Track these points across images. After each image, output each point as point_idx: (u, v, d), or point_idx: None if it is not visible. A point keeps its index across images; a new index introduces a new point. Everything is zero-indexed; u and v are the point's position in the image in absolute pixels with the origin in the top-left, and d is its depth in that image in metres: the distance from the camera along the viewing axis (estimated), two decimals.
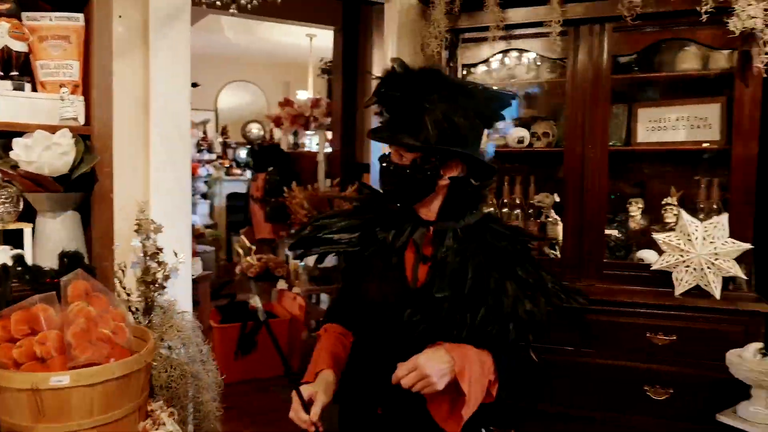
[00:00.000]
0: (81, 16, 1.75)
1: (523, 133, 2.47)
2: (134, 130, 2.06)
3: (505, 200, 2.53)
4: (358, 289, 1.49)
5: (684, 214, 2.13)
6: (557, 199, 2.54)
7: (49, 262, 1.65)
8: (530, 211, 2.57)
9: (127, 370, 1.40)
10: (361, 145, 4.86)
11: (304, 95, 6.17)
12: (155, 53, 2.05)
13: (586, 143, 2.28)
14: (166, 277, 1.87)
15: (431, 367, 1.25)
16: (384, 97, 1.37)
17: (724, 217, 2.09)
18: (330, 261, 4.54)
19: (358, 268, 1.49)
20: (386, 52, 2.62)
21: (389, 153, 1.42)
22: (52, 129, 1.62)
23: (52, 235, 1.67)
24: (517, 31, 2.26)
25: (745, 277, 2.08)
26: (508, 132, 2.49)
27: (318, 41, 5.79)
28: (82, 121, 1.72)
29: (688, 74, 2.29)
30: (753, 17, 1.92)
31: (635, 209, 2.44)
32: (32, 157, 1.54)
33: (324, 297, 4.92)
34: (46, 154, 1.55)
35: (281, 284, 4.84)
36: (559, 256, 2.44)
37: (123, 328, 1.49)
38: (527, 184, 2.55)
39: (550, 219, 2.54)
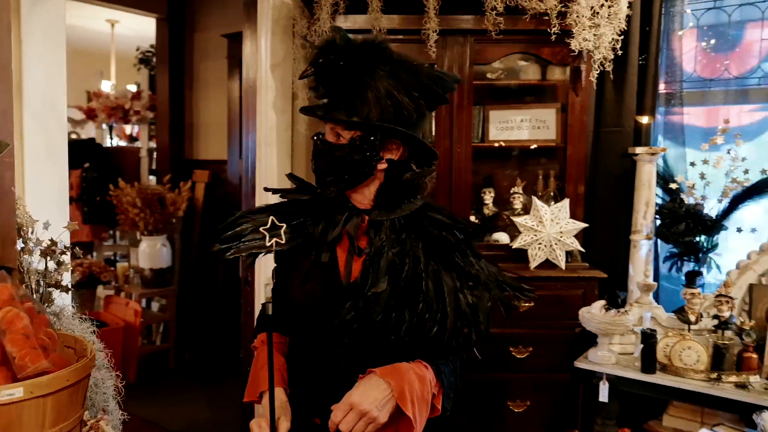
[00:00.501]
0: None
1: None
2: None
3: None
4: (285, 290, 1.35)
5: (536, 201, 2.54)
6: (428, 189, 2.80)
7: None
8: None
9: (77, 377, 1.28)
10: (190, 140, 4.67)
11: (107, 86, 5.68)
12: (28, 30, 1.84)
13: (454, 141, 2.58)
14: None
15: (368, 401, 1.14)
16: (322, 70, 1.23)
17: (566, 202, 2.53)
18: (166, 261, 4.31)
19: (287, 267, 1.36)
20: (259, 47, 2.63)
21: (323, 132, 1.30)
22: None
23: None
24: (397, 36, 2.46)
25: (583, 250, 2.56)
26: None
27: (122, 29, 5.38)
28: None
29: (531, 83, 2.72)
30: (587, 40, 2.38)
31: (488, 198, 2.81)
32: None
33: (155, 304, 4.63)
34: None
35: (103, 290, 4.44)
36: None
37: (54, 335, 1.35)
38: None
39: None
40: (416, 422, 1.16)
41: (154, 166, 4.76)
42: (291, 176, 1.49)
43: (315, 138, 1.30)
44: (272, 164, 2.70)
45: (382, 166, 1.26)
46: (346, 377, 1.24)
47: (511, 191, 2.79)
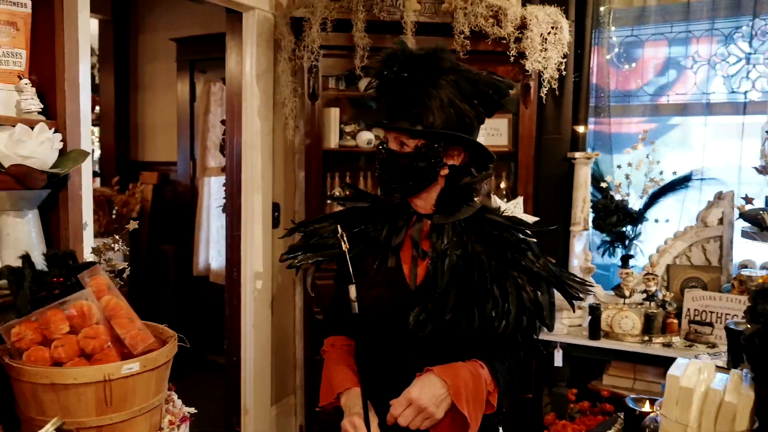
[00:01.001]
0: (29, 2, 1.65)
1: (370, 135, 2.98)
2: None
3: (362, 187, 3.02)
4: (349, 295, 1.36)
5: (495, 198, 2.93)
6: None
7: (14, 263, 1.54)
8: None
9: (170, 354, 1.49)
10: (136, 141, 4.68)
11: None
12: None
13: None
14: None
15: (426, 397, 1.20)
16: (387, 81, 1.30)
17: (520, 199, 2.95)
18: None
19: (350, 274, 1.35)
20: (244, 58, 2.84)
21: (386, 141, 1.36)
22: (8, 121, 1.54)
23: (21, 236, 1.57)
24: (378, 53, 2.76)
25: (535, 240, 2.98)
26: (358, 135, 2.97)
27: None
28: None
29: None
30: (538, 61, 2.80)
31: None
32: (25, 152, 1.46)
33: None
34: (41, 149, 1.49)
35: None
36: None
37: (138, 318, 1.54)
38: (372, 178, 3.08)
39: None
40: (471, 419, 1.22)
41: (97, 168, 4.72)
42: (348, 185, 1.60)
43: (380, 147, 1.37)
44: (257, 165, 2.92)
45: (444, 171, 1.32)
46: (413, 378, 1.28)
47: None
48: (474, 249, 1.31)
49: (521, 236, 1.37)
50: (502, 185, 3.14)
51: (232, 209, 2.93)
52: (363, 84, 2.91)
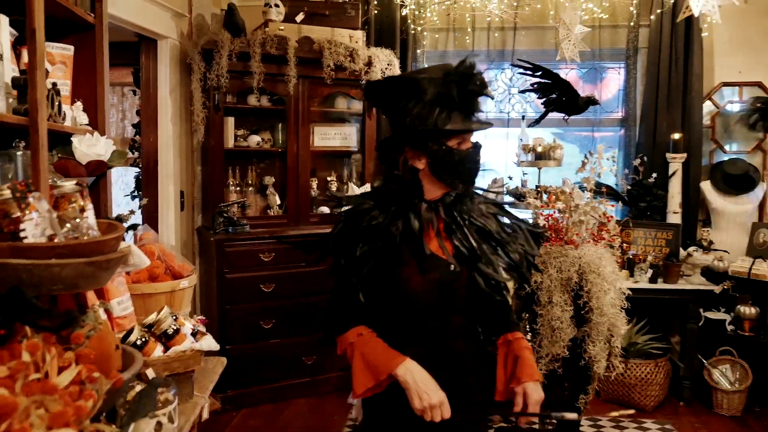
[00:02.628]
0: (72, 47, 2.38)
1: (258, 138, 3.93)
2: None
3: (249, 181, 3.95)
4: (390, 281, 1.54)
5: (352, 185, 4.08)
6: (273, 180, 4.10)
7: None
8: (257, 186, 4.06)
9: (195, 279, 2.36)
10: None
11: None
12: None
13: (299, 146, 3.95)
14: None
15: (540, 393, 1.57)
16: (473, 91, 1.49)
17: (368, 185, 4.13)
18: None
19: (390, 261, 1.51)
20: (159, 76, 3.60)
21: (445, 144, 1.51)
22: (72, 131, 2.28)
23: None
24: (270, 76, 3.71)
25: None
26: (248, 137, 3.91)
27: None
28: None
29: (342, 110, 4.24)
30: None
31: (313, 184, 4.24)
32: (98, 151, 2.24)
33: None
34: (105, 149, 2.28)
35: None
36: (282, 212, 4.03)
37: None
38: (259, 171, 4.03)
39: (270, 191, 4.08)
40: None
41: None
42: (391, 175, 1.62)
43: (456, 147, 1.52)
44: (170, 161, 3.70)
45: None
46: (466, 337, 1.66)
47: (328, 179, 4.28)
48: (473, 219, 1.61)
49: (495, 207, 1.69)
50: (354, 175, 4.30)
51: (150, 196, 3.68)
52: (252, 99, 3.86)
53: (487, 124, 1.62)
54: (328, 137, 4.22)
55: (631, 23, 4.21)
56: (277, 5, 3.82)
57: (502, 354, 1.67)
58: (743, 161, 4.18)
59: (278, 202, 4.06)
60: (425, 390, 1.45)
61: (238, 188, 3.97)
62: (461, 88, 1.48)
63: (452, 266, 1.57)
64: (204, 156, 3.92)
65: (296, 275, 3.83)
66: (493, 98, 2.03)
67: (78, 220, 1.50)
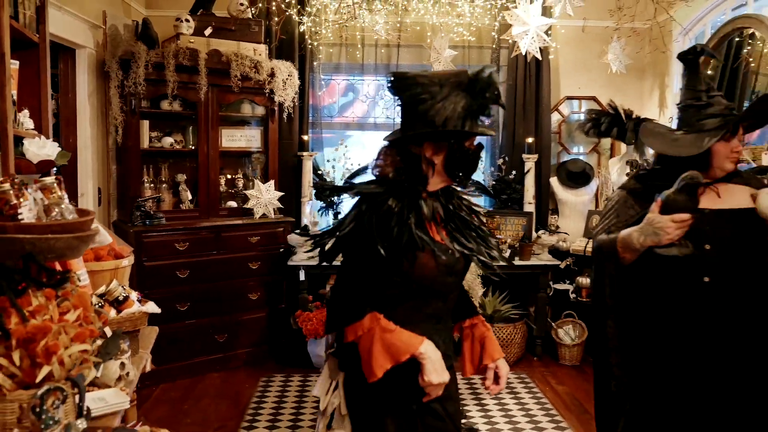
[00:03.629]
0: (18, 62, 2.75)
1: (171, 139, 4.35)
2: None
3: (163, 178, 4.35)
4: (408, 271, 1.64)
5: (257, 182, 4.58)
6: (185, 177, 4.52)
7: None
8: (170, 183, 4.47)
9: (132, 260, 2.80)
10: None
11: None
12: None
13: (209, 146, 4.40)
14: None
15: (507, 368, 1.86)
16: (495, 98, 1.64)
17: (272, 181, 4.65)
18: None
19: (402, 249, 1.61)
20: (78, 82, 3.93)
21: (465, 143, 1.68)
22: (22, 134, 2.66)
23: None
24: (183, 84, 4.14)
25: (282, 206, 4.73)
26: (162, 139, 4.31)
27: None
28: None
29: (247, 115, 4.74)
30: (281, 96, 4.54)
31: (222, 179, 4.70)
32: (48, 152, 2.63)
33: None
34: (53, 150, 2.67)
35: None
36: (194, 207, 4.46)
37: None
38: (172, 169, 4.44)
39: (182, 188, 4.50)
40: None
41: None
42: (372, 181, 1.75)
43: (467, 147, 1.70)
44: (89, 160, 4.03)
45: None
46: (449, 315, 1.82)
47: (235, 176, 4.76)
48: (459, 212, 1.79)
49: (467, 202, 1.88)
50: (258, 173, 4.81)
51: (69, 193, 3.99)
52: (165, 104, 4.26)
53: (491, 130, 1.88)
54: (234, 139, 4.70)
55: (494, 45, 5.04)
56: (187, 20, 4.26)
57: (468, 335, 1.90)
58: (582, 161, 5.15)
59: (190, 197, 4.50)
60: (441, 368, 1.64)
61: (152, 185, 4.36)
62: (482, 96, 1.63)
63: (454, 252, 1.72)
64: (120, 155, 4.28)
65: (208, 262, 4.30)
66: (504, 107, 2.27)
67: (62, 205, 1.97)
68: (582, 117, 5.18)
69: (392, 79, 1.71)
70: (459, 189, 1.85)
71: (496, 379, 1.85)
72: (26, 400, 1.53)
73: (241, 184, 4.76)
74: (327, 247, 1.77)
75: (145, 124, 4.21)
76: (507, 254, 4.61)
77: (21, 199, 1.89)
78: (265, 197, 4.59)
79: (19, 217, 1.86)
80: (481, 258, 1.75)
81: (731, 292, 1.88)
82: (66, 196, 2.06)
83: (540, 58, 4.32)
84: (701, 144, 1.88)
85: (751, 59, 3.72)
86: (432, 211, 1.71)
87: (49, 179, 2.03)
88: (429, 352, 1.63)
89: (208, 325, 4.32)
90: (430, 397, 1.68)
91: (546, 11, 4.47)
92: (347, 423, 1.75)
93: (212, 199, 4.48)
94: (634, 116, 3.24)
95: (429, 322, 1.75)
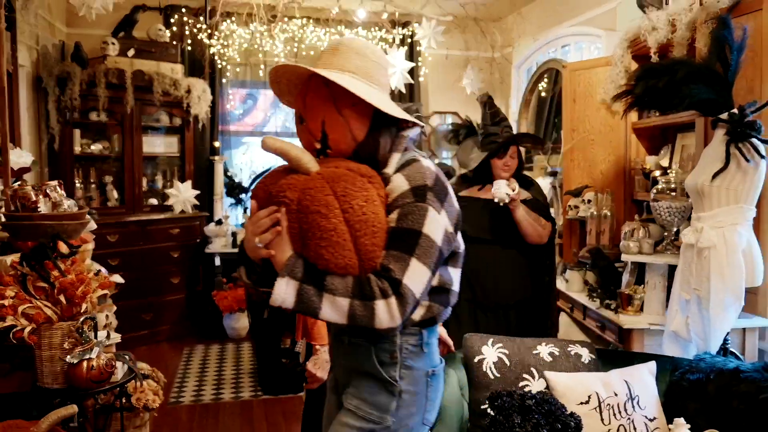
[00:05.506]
0: None
1: (100, 146, 5.02)
2: None
3: (92, 179, 5.02)
4: None
5: (176, 182, 5.34)
6: (112, 178, 5.19)
7: None
8: (98, 183, 5.13)
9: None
10: None
11: None
12: None
13: (133, 152, 5.12)
14: None
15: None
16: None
17: (189, 182, 5.42)
18: None
19: None
20: (19, 96, 4.52)
21: None
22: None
23: None
24: (114, 99, 4.83)
25: (198, 203, 5.52)
26: (92, 145, 4.97)
27: None
28: None
29: (166, 124, 5.48)
30: (196, 109, 5.33)
31: (144, 180, 5.41)
32: (26, 161, 3.34)
33: None
34: (29, 159, 3.38)
35: None
36: (120, 204, 5.15)
37: None
38: (100, 172, 5.11)
39: (109, 187, 5.18)
40: None
41: None
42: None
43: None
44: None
45: None
46: None
47: (155, 177, 5.49)
48: None
49: None
50: (176, 175, 5.57)
51: None
52: (94, 115, 4.93)
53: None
54: (155, 145, 5.44)
55: None
56: (113, 42, 4.95)
57: None
58: (446, 164, 6.36)
59: (116, 195, 5.18)
60: (322, 366, 2.14)
61: (83, 185, 5.01)
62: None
63: None
64: (53, 159, 4.89)
65: (135, 252, 5.03)
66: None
67: (66, 201, 2.77)
68: (446, 128, 6.39)
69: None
70: None
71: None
72: (67, 327, 2.36)
73: (161, 184, 5.49)
74: None
75: (77, 132, 4.87)
76: None
77: (39, 197, 2.68)
78: (183, 195, 5.36)
79: (39, 209, 2.65)
80: None
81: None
82: (64, 194, 2.85)
83: (404, 92, 5.43)
84: (480, 160, 2.97)
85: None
86: None
87: (53, 182, 2.81)
88: (322, 353, 2.12)
89: (136, 305, 5.04)
90: (310, 385, 2.18)
91: (416, 44, 5.62)
92: None
93: (137, 197, 5.19)
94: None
95: None
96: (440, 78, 6.40)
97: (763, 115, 2.39)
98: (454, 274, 1.56)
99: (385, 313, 1.34)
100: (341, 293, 1.35)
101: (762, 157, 2.29)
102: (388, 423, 1.49)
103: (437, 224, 1.40)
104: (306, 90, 1.48)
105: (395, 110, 1.46)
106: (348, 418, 1.51)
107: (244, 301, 5.16)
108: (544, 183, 4.63)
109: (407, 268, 1.36)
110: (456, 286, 1.56)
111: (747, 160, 2.28)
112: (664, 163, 3.43)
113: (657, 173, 3.29)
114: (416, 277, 1.37)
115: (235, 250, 5.34)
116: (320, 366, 2.13)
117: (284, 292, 1.35)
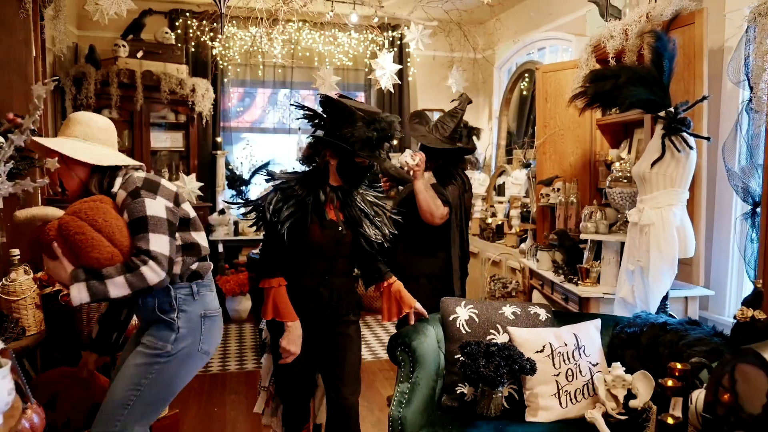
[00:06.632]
0: None
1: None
2: None
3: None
4: (302, 238, 2.24)
5: (183, 175, 5.73)
6: None
7: None
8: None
9: None
10: None
11: None
12: None
13: (142, 147, 5.50)
14: None
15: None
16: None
17: (193, 175, 5.82)
18: None
19: (301, 225, 2.24)
20: None
21: (356, 159, 2.27)
22: None
23: None
24: (120, 97, 5.22)
25: (202, 194, 5.91)
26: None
27: None
28: None
29: (172, 121, 5.86)
30: (201, 107, 5.73)
31: (165, 172, 5.79)
32: None
33: None
34: None
35: None
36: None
37: None
38: None
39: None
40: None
41: None
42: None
43: (358, 162, 2.28)
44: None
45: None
46: (342, 276, 2.40)
47: (162, 170, 5.88)
48: (357, 202, 2.41)
49: (373, 196, 2.53)
50: (181, 168, 5.96)
51: None
52: (106, 113, 5.32)
53: (382, 159, 2.32)
54: (161, 140, 5.82)
55: (366, 69, 6.52)
56: (123, 45, 5.34)
57: (386, 294, 2.54)
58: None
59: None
60: (295, 342, 2.30)
61: None
62: (381, 133, 2.23)
63: (341, 228, 2.34)
64: None
65: None
66: (392, 146, 2.78)
67: None
68: None
69: (322, 99, 2.30)
70: (365, 186, 2.49)
71: (418, 316, 2.60)
72: None
73: (167, 176, 5.88)
74: (251, 216, 2.47)
75: None
76: None
77: None
78: (188, 187, 5.75)
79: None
80: (363, 234, 2.39)
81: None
82: None
83: (393, 92, 5.85)
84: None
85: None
86: (328, 198, 2.32)
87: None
88: (293, 329, 2.28)
89: None
90: (285, 360, 2.31)
91: (405, 46, 6.03)
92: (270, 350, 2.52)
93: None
94: (468, 125, 4.70)
95: (316, 277, 2.36)
96: (428, 77, 6.81)
97: (694, 113, 2.83)
98: (197, 236, 2.14)
99: (150, 272, 1.86)
100: (117, 274, 1.85)
101: (691, 148, 2.72)
102: (168, 349, 2.03)
103: (156, 206, 1.97)
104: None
105: (103, 159, 2.03)
106: (140, 350, 2.05)
107: (246, 284, 5.57)
108: (521, 174, 5.07)
109: (149, 241, 1.90)
110: (203, 243, 2.16)
111: (679, 151, 2.72)
112: (624, 155, 3.86)
113: (617, 164, 3.73)
114: (158, 242, 1.91)
115: (237, 238, 5.77)
116: (293, 342, 2.31)
117: (78, 293, 1.81)
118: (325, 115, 2.34)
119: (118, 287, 1.84)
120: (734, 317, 1.88)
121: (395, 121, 2.28)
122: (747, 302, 1.90)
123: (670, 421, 1.39)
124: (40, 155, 2.14)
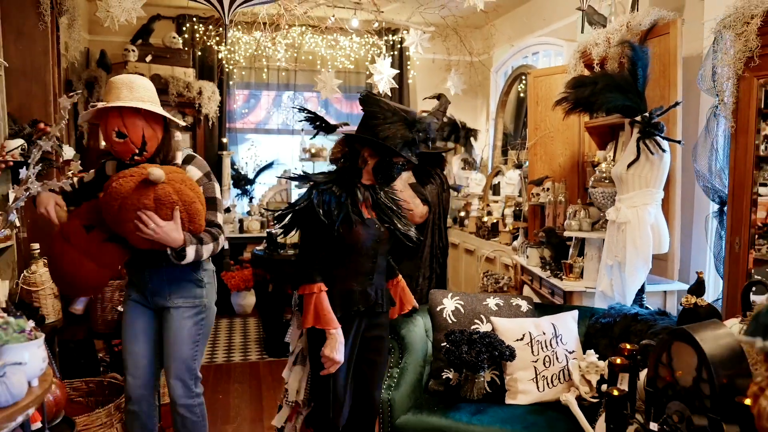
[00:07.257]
0: None
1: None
2: None
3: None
4: (347, 238, 2.22)
5: None
6: None
7: None
8: None
9: None
10: None
11: None
12: None
13: None
14: None
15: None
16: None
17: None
18: None
19: (347, 225, 2.21)
20: None
21: (394, 159, 2.23)
22: None
23: None
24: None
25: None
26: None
27: None
28: None
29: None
30: (207, 109, 5.94)
31: None
32: (69, 155, 3.95)
33: None
34: (71, 153, 3.99)
35: None
36: None
37: None
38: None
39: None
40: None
41: None
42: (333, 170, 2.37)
43: (395, 161, 2.24)
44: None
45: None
46: (381, 274, 2.41)
47: None
48: (386, 201, 2.42)
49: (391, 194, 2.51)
50: None
51: None
52: None
53: (414, 158, 2.26)
54: None
55: (367, 72, 6.71)
56: (133, 50, 5.55)
57: (393, 291, 2.56)
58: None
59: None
60: (339, 350, 2.20)
61: None
62: (417, 133, 2.20)
63: (378, 226, 2.33)
64: (83, 154, 5.47)
65: None
66: (429, 147, 2.47)
67: None
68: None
69: (364, 95, 2.25)
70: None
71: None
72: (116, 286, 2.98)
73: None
74: (285, 222, 2.29)
75: None
76: None
77: None
78: None
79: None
80: (399, 230, 2.40)
81: None
82: None
83: (390, 95, 6.05)
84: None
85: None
86: (363, 197, 2.30)
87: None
88: (336, 335, 2.19)
89: None
90: (328, 370, 2.22)
91: (405, 49, 6.23)
92: (307, 360, 2.43)
93: None
94: (465, 126, 4.89)
95: (363, 277, 2.32)
96: (427, 80, 7.00)
97: (669, 117, 3.02)
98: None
99: (222, 242, 2.39)
100: (210, 241, 2.31)
101: (664, 151, 2.91)
102: (205, 303, 2.46)
103: (218, 188, 2.46)
104: (120, 116, 2.30)
105: (180, 122, 2.49)
106: (185, 315, 2.43)
107: (251, 280, 5.79)
108: (514, 174, 5.26)
109: (218, 216, 2.39)
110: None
111: (653, 153, 2.90)
112: (610, 156, 4.05)
113: (603, 165, 3.91)
114: (221, 218, 2.42)
115: (242, 235, 5.99)
116: (337, 349, 2.21)
117: (192, 253, 2.22)
118: (363, 112, 2.28)
119: (207, 252, 2.29)
120: (680, 304, 2.06)
121: (432, 123, 2.30)
122: (691, 291, 2.08)
123: (615, 393, 1.58)
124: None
